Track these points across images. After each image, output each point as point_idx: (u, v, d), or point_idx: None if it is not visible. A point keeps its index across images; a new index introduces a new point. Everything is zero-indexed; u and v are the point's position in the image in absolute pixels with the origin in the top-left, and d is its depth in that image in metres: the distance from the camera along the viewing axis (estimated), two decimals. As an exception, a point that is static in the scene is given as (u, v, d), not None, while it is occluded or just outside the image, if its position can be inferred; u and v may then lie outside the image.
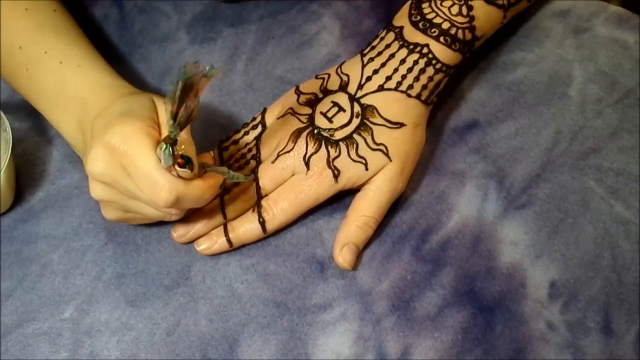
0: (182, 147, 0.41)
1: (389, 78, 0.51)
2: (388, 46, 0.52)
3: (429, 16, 0.51)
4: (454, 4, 0.52)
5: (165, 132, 0.43)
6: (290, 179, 0.50)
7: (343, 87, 0.52)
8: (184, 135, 0.42)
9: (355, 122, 0.50)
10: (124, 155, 0.42)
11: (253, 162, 0.51)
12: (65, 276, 0.50)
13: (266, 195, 0.50)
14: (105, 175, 0.43)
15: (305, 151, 0.50)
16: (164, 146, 0.40)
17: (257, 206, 0.50)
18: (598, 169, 0.54)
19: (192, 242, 0.50)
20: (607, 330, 0.48)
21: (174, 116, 0.40)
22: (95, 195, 0.45)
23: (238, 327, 0.48)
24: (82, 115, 0.47)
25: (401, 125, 0.50)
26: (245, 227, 0.50)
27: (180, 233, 0.50)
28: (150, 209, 0.44)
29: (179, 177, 0.42)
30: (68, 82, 0.48)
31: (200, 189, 0.43)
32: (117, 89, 0.48)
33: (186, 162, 0.42)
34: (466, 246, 0.51)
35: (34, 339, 0.48)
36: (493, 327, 0.48)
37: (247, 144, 0.53)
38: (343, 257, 0.49)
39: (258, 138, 0.52)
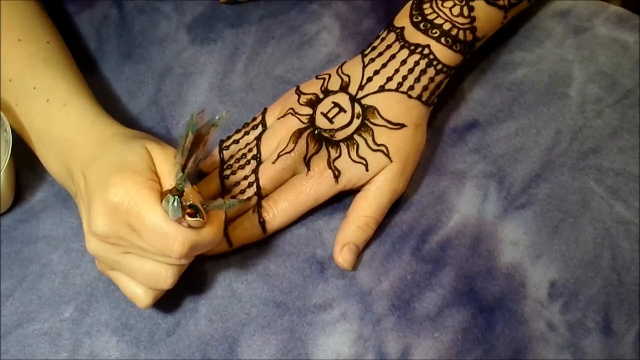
0: (190, 196, 0.41)
1: (389, 79, 0.51)
2: (389, 47, 0.52)
3: (430, 17, 0.51)
4: (455, 4, 0.52)
5: (166, 182, 0.43)
6: (291, 180, 0.50)
7: (344, 88, 0.52)
8: (190, 190, 0.41)
9: (356, 122, 0.50)
10: (129, 213, 0.41)
11: (253, 162, 0.51)
12: (65, 276, 0.50)
13: (266, 196, 0.50)
14: (109, 233, 0.42)
15: (305, 152, 0.50)
16: (172, 198, 0.40)
17: (258, 206, 0.50)
18: (598, 169, 0.54)
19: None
20: (607, 330, 0.48)
21: (183, 168, 0.40)
22: (91, 249, 0.44)
23: (238, 327, 0.48)
24: (67, 157, 0.46)
25: (402, 126, 0.50)
26: (246, 228, 0.50)
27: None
28: (145, 265, 0.43)
29: (189, 226, 0.41)
30: (53, 122, 0.48)
31: (211, 234, 0.42)
32: (101, 129, 0.47)
33: (195, 211, 0.41)
34: (466, 246, 0.51)
35: (34, 339, 0.48)
36: (493, 327, 0.48)
37: (247, 143, 0.53)
38: (343, 257, 0.49)
39: (258, 138, 0.52)
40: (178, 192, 0.40)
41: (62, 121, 0.47)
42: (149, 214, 0.41)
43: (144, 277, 0.44)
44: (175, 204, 0.40)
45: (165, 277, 0.44)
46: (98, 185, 0.42)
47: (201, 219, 0.41)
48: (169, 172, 0.43)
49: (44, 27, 0.53)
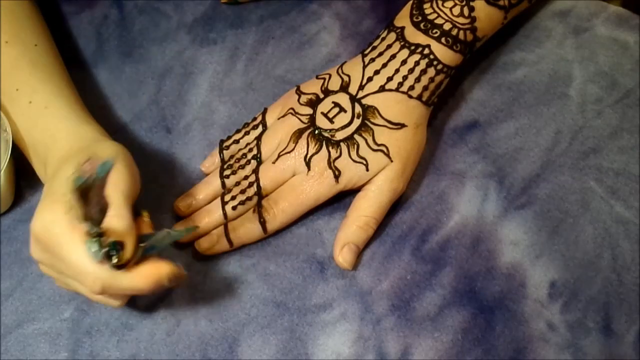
0: (112, 235, 0.40)
1: (390, 79, 0.51)
2: (389, 47, 0.52)
3: (431, 17, 0.51)
4: (455, 4, 0.52)
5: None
6: (291, 180, 0.50)
7: (344, 88, 0.52)
8: (119, 223, 0.41)
9: (356, 122, 0.50)
10: (47, 244, 0.41)
11: (254, 162, 0.52)
12: (66, 276, 0.50)
13: (267, 196, 0.50)
14: (41, 259, 0.43)
15: (306, 152, 0.50)
16: (88, 243, 0.39)
17: (258, 206, 0.50)
18: (598, 169, 0.54)
19: (192, 241, 0.50)
20: (607, 330, 0.48)
21: (87, 218, 0.39)
22: (43, 271, 0.45)
23: (238, 327, 0.48)
24: (46, 162, 0.46)
25: (402, 126, 0.50)
26: (246, 227, 0.50)
27: (181, 233, 0.50)
28: (89, 294, 0.43)
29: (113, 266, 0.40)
30: (34, 125, 0.48)
31: (130, 279, 0.40)
32: (74, 139, 0.46)
33: (116, 251, 0.40)
34: (466, 246, 0.51)
35: (34, 339, 0.48)
36: (493, 327, 0.48)
37: (247, 143, 0.53)
38: (343, 257, 0.49)
39: (259, 138, 0.52)
40: (97, 235, 0.39)
41: (42, 125, 0.47)
42: (63, 248, 0.41)
43: (93, 299, 0.44)
44: (93, 249, 0.39)
45: (112, 303, 0.44)
46: (38, 209, 0.42)
47: (115, 261, 0.40)
48: (113, 201, 0.42)
49: (33, 29, 0.53)
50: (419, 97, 0.51)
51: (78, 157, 0.43)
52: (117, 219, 0.41)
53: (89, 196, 0.39)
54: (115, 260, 0.40)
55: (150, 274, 0.41)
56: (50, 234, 0.41)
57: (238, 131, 0.54)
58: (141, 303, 0.49)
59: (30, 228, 0.42)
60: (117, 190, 0.42)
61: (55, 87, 0.49)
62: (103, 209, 0.40)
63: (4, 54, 0.50)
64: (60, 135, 0.47)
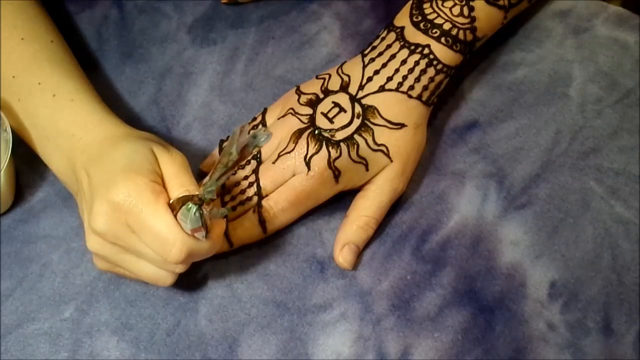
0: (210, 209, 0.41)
1: (390, 79, 0.51)
2: (389, 46, 0.52)
3: (430, 17, 0.52)
4: (455, 4, 0.52)
5: (171, 186, 0.43)
6: (291, 180, 0.50)
7: (344, 88, 0.52)
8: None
9: (356, 122, 0.50)
10: (129, 213, 0.41)
11: (254, 162, 0.51)
12: (65, 276, 0.50)
13: (267, 196, 0.50)
14: (108, 232, 0.42)
15: (306, 152, 0.50)
16: (194, 208, 0.40)
17: (258, 206, 0.50)
18: (598, 169, 0.54)
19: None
20: (607, 330, 0.48)
21: (216, 179, 0.39)
22: (91, 247, 0.44)
23: (238, 327, 0.48)
24: (72, 153, 0.46)
25: (402, 126, 0.50)
26: (246, 228, 0.50)
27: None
28: (145, 268, 0.44)
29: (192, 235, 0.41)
30: (59, 116, 0.48)
31: (210, 246, 0.43)
32: (108, 128, 0.47)
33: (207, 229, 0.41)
34: (466, 246, 0.51)
35: (34, 339, 0.48)
36: (493, 327, 0.48)
37: (247, 144, 0.53)
38: (343, 256, 0.49)
39: (259, 138, 0.52)
40: (200, 201, 0.40)
41: (69, 116, 0.48)
42: (150, 216, 0.41)
43: (144, 277, 0.45)
44: (197, 214, 0.40)
45: (165, 279, 0.45)
46: (101, 184, 0.42)
47: (205, 238, 0.42)
48: (174, 175, 0.43)
49: (47, 27, 0.53)
50: (419, 97, 0.51)
51: (139, 139, 0.45)
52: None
53: (236, 162, 0.39)
54: (205, 236, 0.41)
55: (219, 233, 0.44)
56: (135, 203, 0.41)
57: (238, 131, 0.54)
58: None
59: (106, 199, 0.41)
60: (186, 169, 0.44)
61: (77, 82, 0.50)
62: (229, 176, 0.41)
63: (22, 51, 0.50)
64: (91, 125, 0.47)
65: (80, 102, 0.48)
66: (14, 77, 0.49)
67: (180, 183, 0.43)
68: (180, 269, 0.44)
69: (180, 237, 0.41)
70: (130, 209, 0.41)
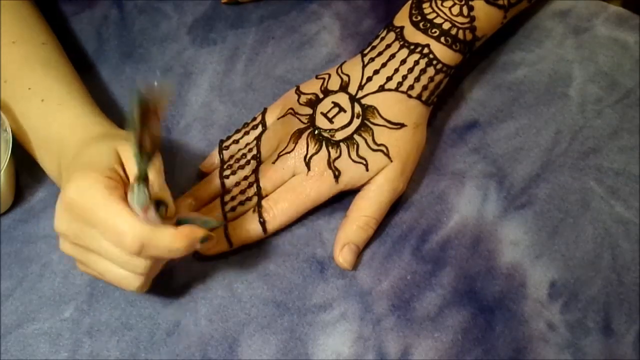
0: (155, 190, 0.40)
1: (389, 78, 0.51)
2: (389, 46, 0.52)
3: (430, 16, 0.52)
4: (454, 4, 0.52)
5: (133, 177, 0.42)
6: (291, 180, 0.50)
7: (344, 88, 0.52)
8: (156, 180, 0.41)
9: (356, 122, 0.50)
10: (82, 209, 0.41)
11: (254, 162, 0.52)
12: (65, 276, 0.50)
13: (266, 196, 0.50)
14: (68, 232, 0.42)
15: (306, 152, 0.50)
16: (135, 186, 0.39)
17: (258, 207, 0.50)
18: (598, 169, 0.54)
19: (192, 242, 0.50)
20: (607, 330, 0.48)
21: (140, 145, 0.38)
22: (63, 249, 0.44)
23: (238, 327, 0.48)
24: (60, 157, 0.46)
25: (402, 125, 0.50)
26: (246, 228, 0.50)
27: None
28: (113, 268, 0.43)
29: (150, 223, 0.40)
30: (49, 122, 0.48)
31: (169, 238, 0.41)
32: (91, 130, 0.47)
33: (158, 205, 0.40)
34: (466, 246, 0.51)
35: (34, 339, 0.48)
36: (493, 327, 0.48)
37: (247, 143, 0.53)
38: (343, 256, 0.49)
39: (258, 138, 0.52)
40: (141, 177, 0.39)
41: (58, 120, 0.48)
42: (102, 208, 0.40)
43: (112, 279, 0.44)
44: (140, 190, 0.39)
45: (130, 281, 0.43)
46: (64, 184, 0.42)
47: (162, 216, 0.40)
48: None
49: (39, 29, 0.53)
50: (419, 97, 0.51)
51: (108, 138, 0.45)
52: (157, 187, 0.42)
53: (144, 123, 0.38)
54: (161, 213, 0.40)
55: (187, 233, 0.41)
56: (87, 198, 0.40)
57: (238, 131, 0.54)
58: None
59: (61, 197, 0.41)
60: (153, 167, 0.42)
61: (67, 85, 0.50)
62: (154, 142, 0.39)
63: (13, 53, 0.50)
64: (78, 129, 0.47)
65: (69, 106, 0.48)
66: (5, 81, 0.49)
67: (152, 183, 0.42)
68: (143, 268, 0.42)
69: (133, 225, 0.40)
70: (84, 204, 0.40)
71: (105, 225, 0.40)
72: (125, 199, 0.41)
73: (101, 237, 0.41)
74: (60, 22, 0.56)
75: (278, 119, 0.53)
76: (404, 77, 0.50)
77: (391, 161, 0.50)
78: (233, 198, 0.50)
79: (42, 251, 0.51)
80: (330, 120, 0.51)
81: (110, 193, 0.40)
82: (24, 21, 0.52)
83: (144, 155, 0.39)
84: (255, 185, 0.50)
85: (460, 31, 0.51)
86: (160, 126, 0.39)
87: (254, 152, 0.52)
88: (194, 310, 0.49)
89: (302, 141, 0.50)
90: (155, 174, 0.42)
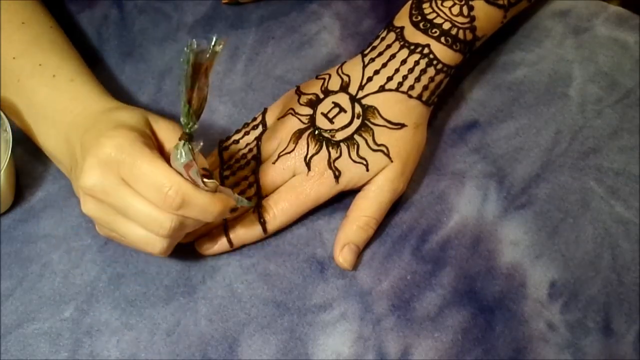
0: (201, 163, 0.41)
1: (390, 79, 0.51)
2: (389, 46, 0.52)
3: (430, 16, 0.52)
4: (454, 4, 0.52)
5: (168, 145, 0.43)
6: (291, 180, 0.50)
7: (344, 88, 0.52)
8: (199, 155, 0.42)
9: (356, 123, 0.50)
10: (121, 164, 0.41)
11: (254, 163, 0.52)
12: (65, 276, 0.50)
13: (267, 196, 0.50)
14: (98, 187, 0.42)
15: (306, 152, 0.50)
16: (181, 143, 0.39)
17: (258, 207, 0.50)
18: (598, 169, 0.54)
19: (192, 242, 0.50)
20: (607, 330, 0.48)
21: (189, 102, 0.38)
22: (86, 210, 0.44)
23: (238, 327, 0.48)
24: (69, 129, 0.46)
25: (402, 126, 0.50)
26: (246, 228, 0.50)
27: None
28: (138, 230, 0.43)
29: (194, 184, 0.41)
30: (59, 95, 0.48)
31: (208, 199, 0.42)
32: (108, 105, 0.47)
33: (210, 173, 0.41)
34: (466, 246, 0.51)
35: (34, 339, 0.48)
36: (493, 327, 0.48)
37: (247, 144, 0.53)
38: (343, 257, 0.49)
39: (259, 138, 0.52)
40: (187, 135, 0.40)
41: (69, 94, 0.48)
42: (144, 163, 0.40)
43: (135, 241, 0.44)
44: (184, 148, 0.39)
45: (154, 244, 0.43)
46: (92, 144, 0.42)
47: (216, 182, 0.41)
48: (171, 139, 0.44)
49: (46, 14, 0.54)
50: (419, 97, 0.51)
51: (132, 109, 0.46)
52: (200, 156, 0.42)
53: (194, 80, 0.38)
54: (213, 182, 0.41)
55: (223, 199, 0.42)
56: (127, 153, 0.41)
57: (238, 131, 0.54)
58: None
59: (96, 154, 0.41)
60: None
61: (76, 65, 0.51)
62: (202, 101, 0.39)
63: (23, 33, 0.51)
64: (90, 102, 0.47)
65: (79, 83, 0.49)
66: (14, 58, 0.50)
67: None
68: (168, 229, 0.42)
69: (177, 180, 0.40)
70: (123, 160, 0.41)
71: (147, 179, 0.40)
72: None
73: (132, 194, 0.41)
74: (60, 22, 0.56)
75: (278, 119, 0.53)
76: (405, 78, 0.50)
77: (391, 161, 0.50)
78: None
79: (42, 251, 0.51)
80: (331, 121, 0.51)
81: (150, 149, 0.41)
82: (32, 5, 0.53)
83: (192, 113, 0.39)
84: (255, 186, 0.50)
85: (461, 31, 0.51)
86: (209, 87, 0.39)
87: (254, 152, 0.52)
88: (194, 310, 0.49)
89: (303, 141, 0.50)
90: (198, 154, 0.42)
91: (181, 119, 0.40)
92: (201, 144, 0.42)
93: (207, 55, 0.38)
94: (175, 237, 0.44)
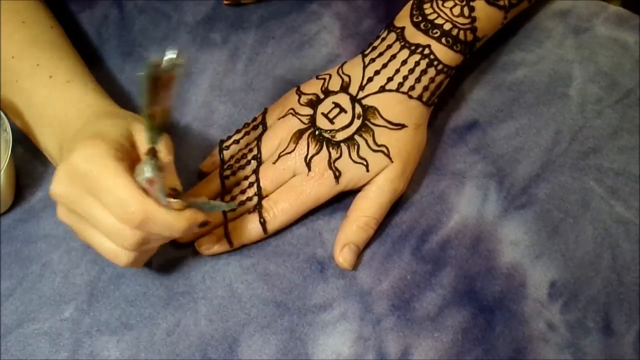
0: (169, 180, 0.41)
1: (390, 79, 0.51)
2: (389, 47, 0.52)
3: (431, 17, 0.52)
4: (455, 5, 0.52)
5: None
6: (291, 180, 0.50)
7: (344, 88, 0.52)
8: (165, 157, 0.41)
9: (357, 123, 0.50)
10: (87, 176, 0.40)
11: (254, 163, 0.52)
12: (65, 276, 0.50)
13: (267, 196, 0.50)
14: (65, 195, 0.42)
15: (306, 152, 0.50)
16: (145, 158, 0.39)
17: (258, 207, 0.50)
18: (598, 169, 0.54)
19: (192, 241, 0.50)
20: (607, 330, 0.48)
21: (150, 117, 0.38)
22: (59, 216, 0.44)
23: (238, 327, 0.48)
24: (62, 134, 0.46)
25: (402, 126, 0.50)
26: (246, 228, 0.50)
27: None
28: (104, 241, 0.43)
29: (154, 197, 0.40)
30: (55, 98, 0.48)
31: (172, 217, 0.41)
32: (100, 109, 0.47)
33: (177, 193, 0.40)
34: (466, 246, 0.51)
35: (34, 339, 0.48)
36: (493, 327, 0.48)
37: (248, 144, 0.53)
38: (343, 257, 0.49)
39: (259, 138, 0.52)
40: (150, 150, 0.39)
41: (65, 96, 0.48)
42: (109, 177, 0.40)
43: (103, 251, 0.43)
44: (149, 164, 0.38)
45: (121, 256, 0.43)
46: (68, 151, 0.42)
47: (181, 202, 0.40)
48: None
49: (46, 14, 0.54)
50: (419, 98, 0.51)
51: (119, 116, 0.45)
52: (166, 164, 0.42)
53: (154, 94, 0.37)
54: (179, 202, 0.40)
55: (188, 216, 0.42)
56: (94, 165, 0.40)
57: (238, 131, 0.54)
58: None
59: (67, 163, 0.41)
60: (164, 145, 0.42)
61: (75, 65, 0.50)
62: (165, 115, 0.39)
63: (22, 32, 0.51)
64: (84, 106, 0.47)
65: (75, 84, 0.49)
66: (13, 57, 0.50)
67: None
68: (132, 243, 0.42)
69: (138, 197, 0.40)
70: (90, 171, 0.40)
71: (110, 193, 0.40)
72: (131, 172, 0.41)
73: (96, 206, 0.41)
74: (61, 22, 0.56)
75: (278, 119, 0.53)
76: (405, 78, 0.50)
77: (392, 162, 0.50)
78: (233, 198, 0.50)
79: (42, 251, 0.51)
80: (331, 121, 0.51)
81: (117, 163, 0.40)
82: (32, 5, 0.53)
83: (154, 128, 0.39)
84: (255, 186, 0.50)
85: (461, 32, 0.51)
86: (172, 100, 0.39)
87: (255, 152, 0.52)
88: (194, 310, 0.49)
89: (303, 141, 0.50)
90: (165, 152, 0.42)
91: (144, 134, 0.39)
92: (170, 157, 0.41)
93: (167, 68, 0.37)
94: (143, 252, 0.44)
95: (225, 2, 0.61)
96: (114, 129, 0.43)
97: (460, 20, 0.51)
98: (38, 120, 0.49)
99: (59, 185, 0.42)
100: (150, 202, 0.40)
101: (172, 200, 0.41)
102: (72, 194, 0.41)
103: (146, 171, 0.39)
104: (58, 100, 0.48)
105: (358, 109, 0.51)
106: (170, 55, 0.37)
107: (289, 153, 0.50)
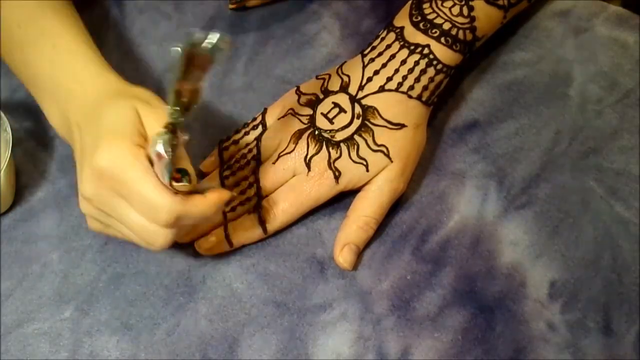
0: (180, 161, 0.40)
1: (389, 79, 0.51)
2: (389, 47, 0.52)
3: (430, 17, 0.52)
4: (454, 4, 0.52)
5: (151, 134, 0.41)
6: (291, 180, 0.50)
7: (344, 88, 0.52)
8: (179, 152, 0.41)
9: (356, 123, 0.50)
10: (114, 179, 0.40)
11: (253, 163, 0.52)
12: (65, 276, 0.50)
13: (267, 196, 0.50)
14: (94, 199, 0.42)
15: (306, 152, 0.50)
16: (163, 131, 0.38)
17: (258, 207, 0.50)
18: (598, 169, 0.54)
19: (192, 242, 0.50)
20: (607, 330, 0.48)
21: (177, 92, 0.37)
22: (83, 210, 0.44)
23: (238, 327, 0.48)
24: (67, 108, 0.46)
25: (402, 126, 0.50)
26: (246, 228, 0.50)
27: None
28: (131, 236, 0.43)
29: (177, 193, 0.40)
30: (57, 68, 0.47)
31: (202, 205, 0.41)
32: (101, 83, 0.46)
33: (182, 175, 0.40)
34: (466, 246, 0.51)
35: (34, 339, 0.48)
36: (493, 327, 0.48)
37: (247, 144, 0.53)
38: (343, 257, 0.49)
39: (258, 138, 0.52)
40: (171, 127, 0.38)
41: (66, 68, 0.47)
42: (136, 182, 0.40)
43: (132, 241, 0.44)
44: (165, 138, 0.38)
45: (154, 241, 0.43)
46: (88, 149, 0.42)
47: (188, 183, 0.40)
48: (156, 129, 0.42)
49: None
50: (419, 97, 0.51)
51: (125, 97, 0.44)
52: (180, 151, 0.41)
53: (187, 72, 0.36)
54: (185, 185, 0.40)
55: (216, 199, 0.42)
56: (119, 170, 0.40)
57: (237, 131, 0.54)
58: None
59: (91, 165, 0.41)
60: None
61: (79, 34, 0.49)
62: (194, 95, 0.38)
63: (29, 2, 0.49)
64: (85, 79, 0.46)
65: (78, 54, 0.48)
66: (19, 26, 0.49)
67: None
68: (165, 238, 0.42)
69: (169, 201, 0.40)
70: (117, 175, 0.40)
71: (139, 197, 0.40)
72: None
73: (128, 207, 0.41)
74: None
75: (278, 119, 0.53)
76: (404, 78, 0.51)
77: (391, 161, 0.50)
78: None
79: (42, 251, 0.51)
80: (331, 121, 0.51)
81: (142, 164, 0.40)
82: None
83: (179, 105, 0.38)
84: (255, 186, 0.50)
85: (461, 31, 0.51)
86: (204, 82, 0.37)
87: (254, 152, 0.52)
88: (194, 310, 0.49)
89: (303, 142, 0.50)
90: (179, 149, 0.41)
91: (168, 108, 0.38)
92: (186, 138, 0.40)
93: (207, 49, 0.35)
94: (175, 237, 0.44)
95: (231, 6, 0.60)
96: (126, 117, 0.42)
97: (460, 19, 0.51)
98: (42, 92, 0.48)
99: (87, 188, 0.42)
100: (178, 201, 0.40)
101: (177, 184, 0.40)
102: (101, 196, 0.42)
103: (158, 145, 0.39)
104: (60, 72, 0.47)
105: (357, 109, 0.51)
106: (213, 37, 0.35)
107: (289, 153, 0.50)
